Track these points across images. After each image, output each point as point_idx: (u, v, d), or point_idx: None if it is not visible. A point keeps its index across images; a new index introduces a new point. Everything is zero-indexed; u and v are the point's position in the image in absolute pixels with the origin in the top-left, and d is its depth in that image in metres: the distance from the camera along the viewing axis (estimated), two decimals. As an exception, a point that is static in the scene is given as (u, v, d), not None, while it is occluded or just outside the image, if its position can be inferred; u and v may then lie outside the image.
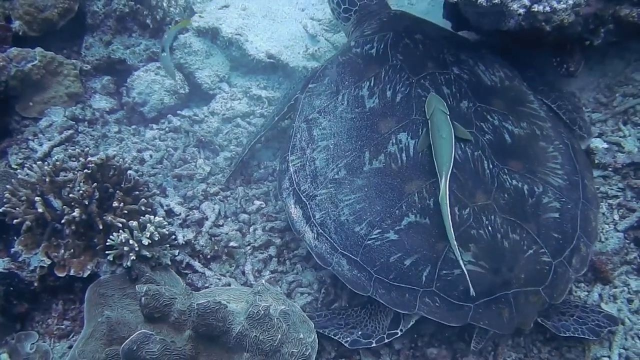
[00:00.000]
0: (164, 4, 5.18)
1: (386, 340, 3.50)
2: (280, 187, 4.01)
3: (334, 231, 3.62)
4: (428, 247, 3.40)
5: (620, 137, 4.22)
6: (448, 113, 3.62)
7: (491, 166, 3.58)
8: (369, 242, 3.50)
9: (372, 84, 3.96)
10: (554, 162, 3.72)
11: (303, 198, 3.80)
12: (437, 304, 3.36)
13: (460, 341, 3.64)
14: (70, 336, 3.80)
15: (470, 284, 3.23)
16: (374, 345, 3.49)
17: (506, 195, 3.51)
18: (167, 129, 4.91)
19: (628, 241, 3.89)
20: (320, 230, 3.68)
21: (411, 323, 3.48)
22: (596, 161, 4.12)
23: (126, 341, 2.95)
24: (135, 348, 2.95)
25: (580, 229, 3.58)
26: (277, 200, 4.32)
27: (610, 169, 4.10)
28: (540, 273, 3.40)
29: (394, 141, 3.69)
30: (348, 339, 3.50)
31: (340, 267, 3.58)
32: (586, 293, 3.78)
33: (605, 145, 4.16)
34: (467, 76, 3.97)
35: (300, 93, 4.26)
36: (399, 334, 3.50)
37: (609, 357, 3.51)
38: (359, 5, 4.71)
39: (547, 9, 3.03)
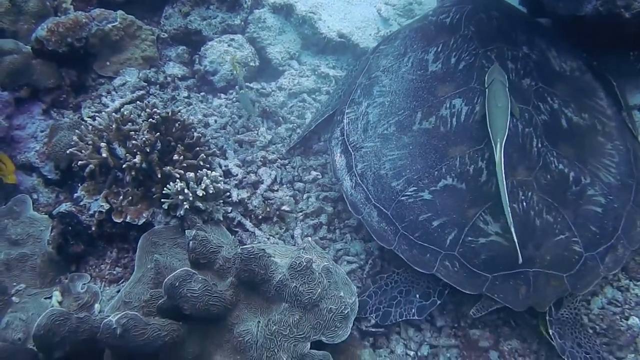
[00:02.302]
0: (244, -22, 5.32)
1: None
2: (331, 136, 4.09)
3: (372, 183, 3.67)
4: (459, 211, 3.38)
5: (696, 138, 4.04)
6: (507, 85, 3.58)
7: (540, 145, 3.51)
8: (402, 198, 3.53)
9: (439, 49, 3.99)
10: (609, 160, 3.61)
11: (350, 148, 3.87)
12: (455, 269, 3.34)
13: (505, 326, 3.55)
14: (120, 282, 3.91)
15: (519, 251, 3.16)
16: (438, 302, 3.49)
17: (549, 176, 3.44)
18: (234, 98, 5.00)
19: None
20: (359, 180, 3.73)
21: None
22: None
23: (169, 276, 2.98)
24: (177, 284, 2.97)
25: (622, 230, 3.45)
26: (334, 172, 4.36)
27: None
28: (567, 260, 3.31)
29: (448, 105, 3.69)
30: (413, 309, 3.49)
31: (370, 218, 3.63)
32: (645, 291, 3.63)
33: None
34: (535, 57, 3.90)
35: (371, 54, 4.35)
36: (437, 303, 3.47)
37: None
38: None
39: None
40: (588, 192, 3.45)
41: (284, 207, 4.10)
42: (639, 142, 3.98)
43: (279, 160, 4.47)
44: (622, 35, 3.99)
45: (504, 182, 3.23)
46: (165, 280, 3.00)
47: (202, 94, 5.12)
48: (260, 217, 4.07)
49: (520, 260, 3.18)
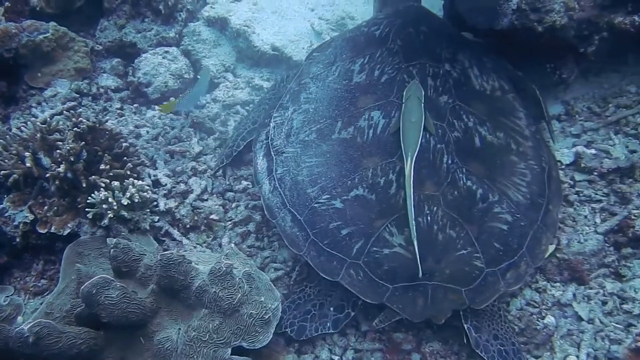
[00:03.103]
0: (177, -9, 5.36)
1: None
2: (257, 139, 4.15)
3: (289, 188, 3.71)
4: (367, 222, 3.45)
5: (609, 145, 4.20)
6: (423, 101, 3.67)
7: (450, 162, 3.58)
8: (315, 204, 3.57)
9: (365, 61, 4.07)
10: (520, 179, 3.67)
11: (272, 152, 3.91)
12: (359, 278, 3.40)
13: (427, 329, 3.61)
14: (45, 294, 3.86)
15: (419, 265, 3.25)
16: (352, 314, 3.54)
17: (456, 192, 3.50)
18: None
19: (608, 244, 3.82)
20: (277, 185, 3.78)
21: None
22: (582, 165, 4.10)
23: (86, 283, 2.96)
24: (94, 292, 2.95)
25: (527, 249, 3.52)
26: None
27: (595, 174, 4.06)
28: (467, 275, 3.37)
29: (367, 117, 3.77)
30: (328, 323, 3.53)
31: (283, 222, 3.67)
32: (561, 292, 3.72)
33: (593, 151, 4.17)
34: (456, 75, 3.98)
35: (305, 60, 4.46)
36: (352, 315, 3.54)
37: (577, 356, 3.44)
38: None
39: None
40: (494, 209, 3.51)
41: (212, 216, 4.12)
42: (556, 161, 4.10)
43: (209, 170, 4.49)
44: (538, 47, 4.17)
45: (412, 196, 3.31)
46: (82, 287, 2.98)
47: (136, 105, 5.12)
48: (188, 226, 4.09)
49: (421, 274, 3.26)
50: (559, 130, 4.43)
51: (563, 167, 4.20)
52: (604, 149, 4.17)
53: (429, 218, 3.40)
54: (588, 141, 4.29)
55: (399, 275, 3.34)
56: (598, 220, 3.93)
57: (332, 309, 3.54)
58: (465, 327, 3.40)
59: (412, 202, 3.30)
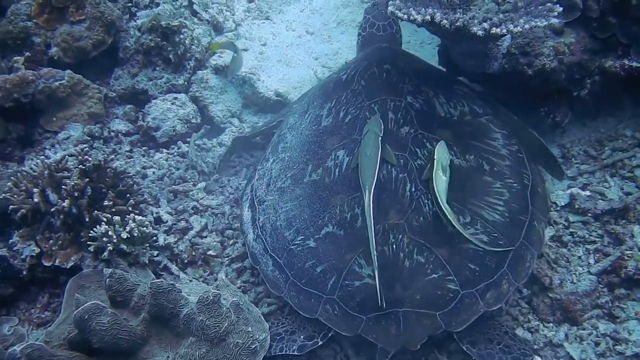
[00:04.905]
0: (187, 42, 5.59)
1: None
2: (243, 192, 4.36)
3: (269, 234, 3.86)
4: (338, 257, 3.55)
5: (605, 187, 4.25)
6: (381, 135, 3.74)
7: (413, 189, 3.64)
8: (292, 247, 3.70)
9: (332, 105, 4.19)
10: (496, 198, 3.71)
11: (255, 203, 4.08)
12: (335, 312, 3.49)
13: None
14: (48, 325, 3.95)
15: (380, 295, 3.31)
16: (320, 343, 3.56)
17: (421, 218, 3.56)
18: (175, 153, 5.19)
19: (601, 285, 3.82)
20: (260, 233, 3.93)
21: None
22: (576, 206, 4.14)
23: (79, 309, 3.07)
24: (86, 317, 3.05)
25: (509, 267, 3.53)
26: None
27: (590, 215, 4.10)
28: (441, 298, 3.40)
29: (333, 157, 3.90)
30: (294, 347, 3.55)
31: (266, 267, 3.83)
32: (553, 332, 3.71)
33: (587, 193, 4.20)
34: (419, 105, 4.00)
35: (287, 113, 4.63)
36: (319, 343, 3.57)
37: (567, 399, 3.43)
38: (366, 32, 4.94)
39: (504, 30, 3.20)
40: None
41: (210, 252, 4.24)
42: (542, 179, 4.16)
43: (209, 209, 4.64)
44: (530, 91, 4.26)
45: (372, 228, 3.37)
46: (75, 312, 3.08)
47: (145, 148, 5.30)
48: (185, 261, 4.21)
49: (382, 304, 3.32)
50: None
51: (558, 208, 4.24)
52: (599, 190, 4.22)
53: (394, 246, 3.47)
54: (584, 184, 4.34)
55: (370, 305, 3.40)
56: (592, 261, 3.94)
57: (302, 337, 3.60)
58: (465, 348, 3.44)
59: (373, 234, 3.35)
